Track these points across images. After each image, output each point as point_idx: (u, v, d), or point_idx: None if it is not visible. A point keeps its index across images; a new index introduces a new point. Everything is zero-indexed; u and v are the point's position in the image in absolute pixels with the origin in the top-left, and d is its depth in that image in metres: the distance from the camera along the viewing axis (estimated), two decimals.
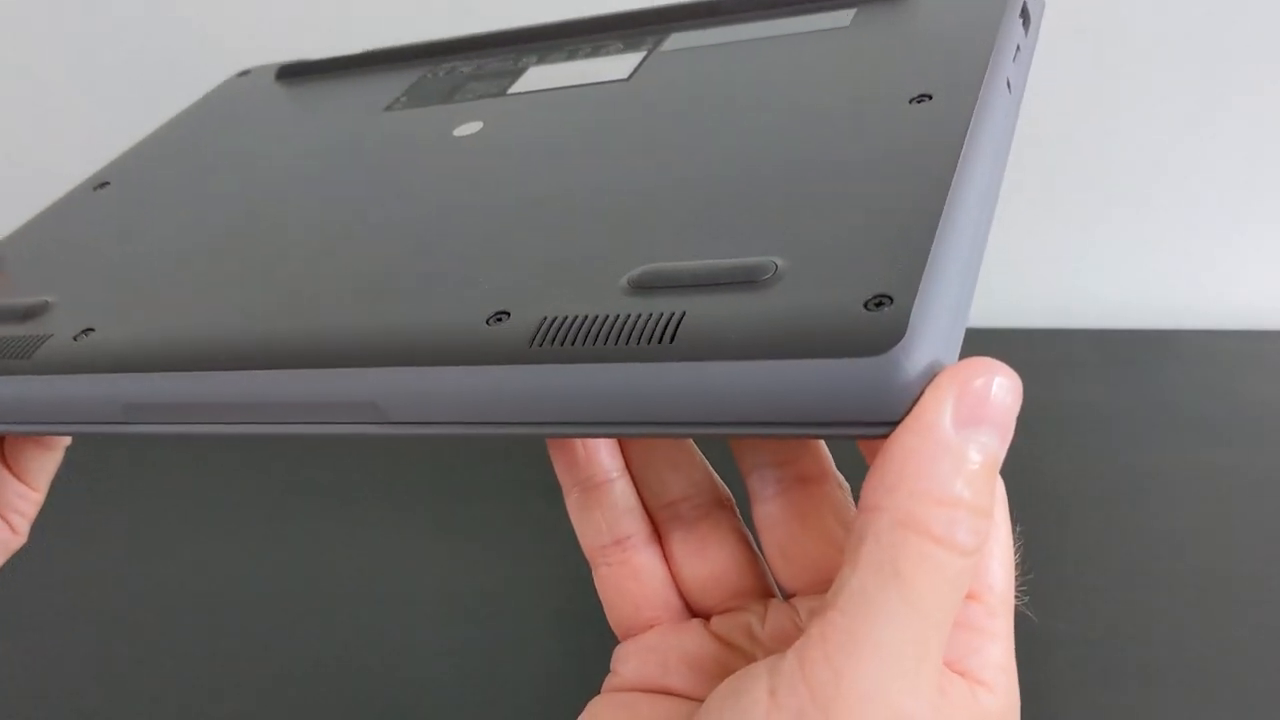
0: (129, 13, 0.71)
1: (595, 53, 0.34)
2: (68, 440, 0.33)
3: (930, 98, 0.25)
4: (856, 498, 0.26)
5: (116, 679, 0.48)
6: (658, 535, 0.27)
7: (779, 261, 0.21)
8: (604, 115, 0.30)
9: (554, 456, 0.27)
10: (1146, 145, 0.59)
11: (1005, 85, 0.25)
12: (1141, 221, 0.62)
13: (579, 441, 0.27)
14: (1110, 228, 0.62)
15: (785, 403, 0.19)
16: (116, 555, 0.55)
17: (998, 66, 0.25)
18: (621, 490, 0.27)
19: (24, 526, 0.33)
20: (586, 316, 0.21)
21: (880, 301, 0.19)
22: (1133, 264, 0.63)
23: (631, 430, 0.21)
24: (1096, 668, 0.43)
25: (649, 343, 0.20)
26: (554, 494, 0.27)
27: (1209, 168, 0.59)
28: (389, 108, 0.35)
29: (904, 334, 0.18)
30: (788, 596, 0.26)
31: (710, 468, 0.28)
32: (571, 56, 0.34)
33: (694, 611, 0.27)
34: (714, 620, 0.26)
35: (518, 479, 0.55)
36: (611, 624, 0.27)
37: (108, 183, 0.36)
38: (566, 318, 0.21)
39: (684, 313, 0.20)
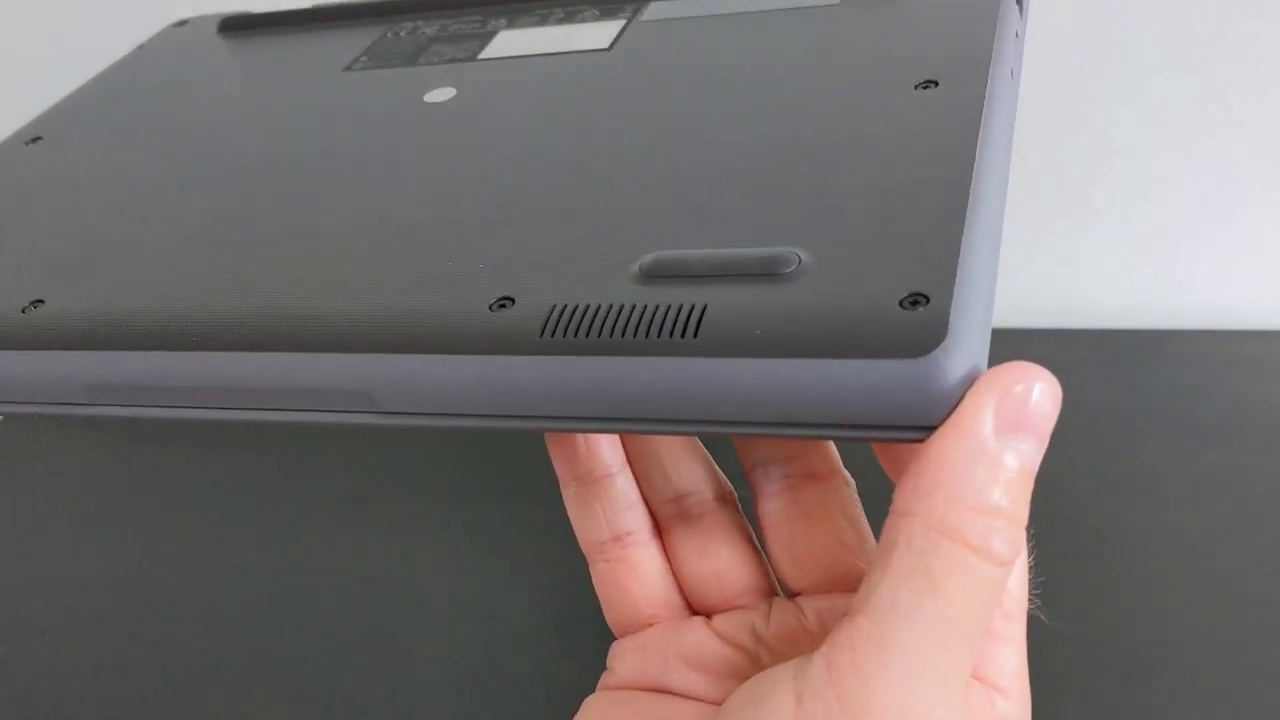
0: None
1: (569, 19, 0.32)
2: None
3: (936, 84, 0.24)
4: (862, 495, 0.26)
5: (117, 679, 0.47)
6: (658, 531, 0.27)
7: (801, 254, 0.20)
8: (589, 86, 0.29)
9: (552, 450, 0.27)
10: (1146, 145, 0.59)
11: (1009, 73, 0.25)
12: (1141, 221, 0.62)
13: (580, 435, 0.26)
14: (1110, 227, 0.62)
15: (817, 404, 0.18)
16: (117, 555, 0.55)
17: (1001, 54, 0.25)
18: (623, 485, 0.26)
19: None
20: (600, 305, 0.20)
21: (915, 300, 0.18)
22: (1133, 264, 0.63)
23: (649, 427, 0.20)
24: (1096, 667, 0.42)
25: (671, 336, 0.19)
26: (552, 494, 0.27)
27: (1209, 167, 0.59)
28: (349, 68, 0.33)
29: (944, 335, 0.18)
30: (791, 595, 0.26)
31: (713, 462, 0.27)
32: (543, 21, 0.33)
33: (695, 609, 0.26)
34: (716, 619, 0.26)
35: (517, 479, 0.54)
36: (609, 621, 0.27)
37: (40, 137, 0.33)
38: (578, 306, 0.20)
39: (705, 305, 0.19)
